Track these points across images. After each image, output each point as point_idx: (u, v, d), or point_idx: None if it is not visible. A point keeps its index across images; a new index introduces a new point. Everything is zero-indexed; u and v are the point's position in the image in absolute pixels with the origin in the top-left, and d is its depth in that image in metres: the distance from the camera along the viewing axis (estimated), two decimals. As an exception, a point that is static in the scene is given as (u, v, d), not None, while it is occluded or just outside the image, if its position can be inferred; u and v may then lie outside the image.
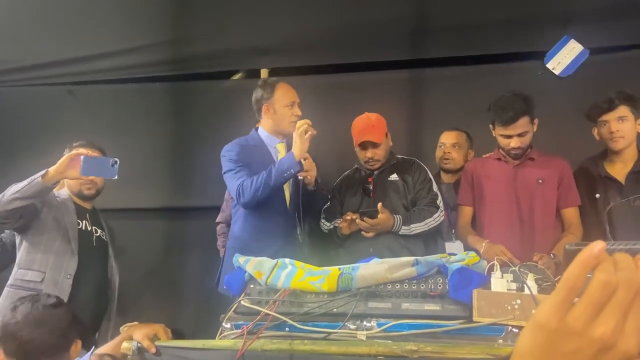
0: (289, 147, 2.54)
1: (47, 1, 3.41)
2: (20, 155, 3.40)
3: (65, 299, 1.60)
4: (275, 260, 1.65)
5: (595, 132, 2.53)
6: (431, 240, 2.67)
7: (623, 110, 2.41)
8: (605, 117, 2.43)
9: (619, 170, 2.48)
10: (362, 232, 2.48)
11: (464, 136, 2.96)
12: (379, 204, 2.43)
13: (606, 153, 2.55)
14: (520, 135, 2.41)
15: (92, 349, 1.53)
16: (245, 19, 3.47)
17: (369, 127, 2.60)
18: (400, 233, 2.48)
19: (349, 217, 2.44)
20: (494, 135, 2.51)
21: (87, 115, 3.59)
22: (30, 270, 2.38)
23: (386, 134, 2.65)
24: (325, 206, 2.75)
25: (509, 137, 2.42)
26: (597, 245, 0.49)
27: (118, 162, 2.01)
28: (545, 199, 2.46)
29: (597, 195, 2.48)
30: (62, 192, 2.62)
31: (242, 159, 2.52)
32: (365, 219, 2.43)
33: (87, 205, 2.66)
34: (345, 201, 2.69)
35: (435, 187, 2.60)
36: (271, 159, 2.56)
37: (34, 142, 3.45)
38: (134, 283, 3.21)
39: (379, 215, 2.41)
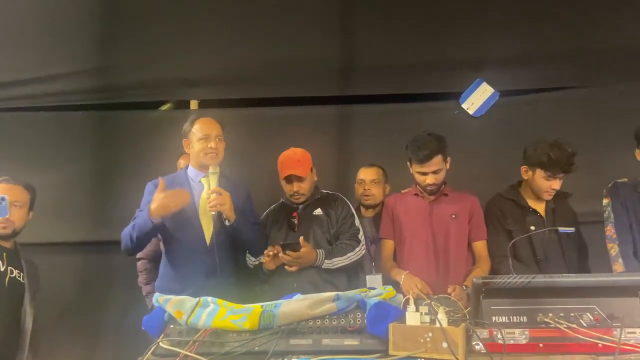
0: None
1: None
2: None
3: None
4: (197, 299, 1.64)
5: (524, 170, 2.64)
6: (353, 274, 2.74)
7: None
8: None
9: (537, 203, 2.67)
10: (285, 267, 2.50)
11: (381, 172, 3.11)
12: (301, 238, 2.47)
13: (519, 185, 2.73)
14: (434, 172, 2.55)
15: None
16: (175, 50, 3.48)
17: (295, 161, 2.67)
18: (323, 267, 2.52)
19: (271, 252, 2.46)
20: (412, 172, 2.64)
21: (4, 143, 3.43)
22: None
23: (311, 169, 2.72)
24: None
25: (425, 174, 2.56)
26: None
27: (6, 199, 1.82)
28: (458, 233, 2.61)
29: (532, 228, 2.56)
30: None
31: (150, 199, 2.38)
32: (287, 252, 2.45)
33: (5, 244, 2.45)
34: (270, 236, 2.70)
35: (357, 222, 2.69)
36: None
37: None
38: (50, 321, 3.03)
39: (301, 249, 2.44)
